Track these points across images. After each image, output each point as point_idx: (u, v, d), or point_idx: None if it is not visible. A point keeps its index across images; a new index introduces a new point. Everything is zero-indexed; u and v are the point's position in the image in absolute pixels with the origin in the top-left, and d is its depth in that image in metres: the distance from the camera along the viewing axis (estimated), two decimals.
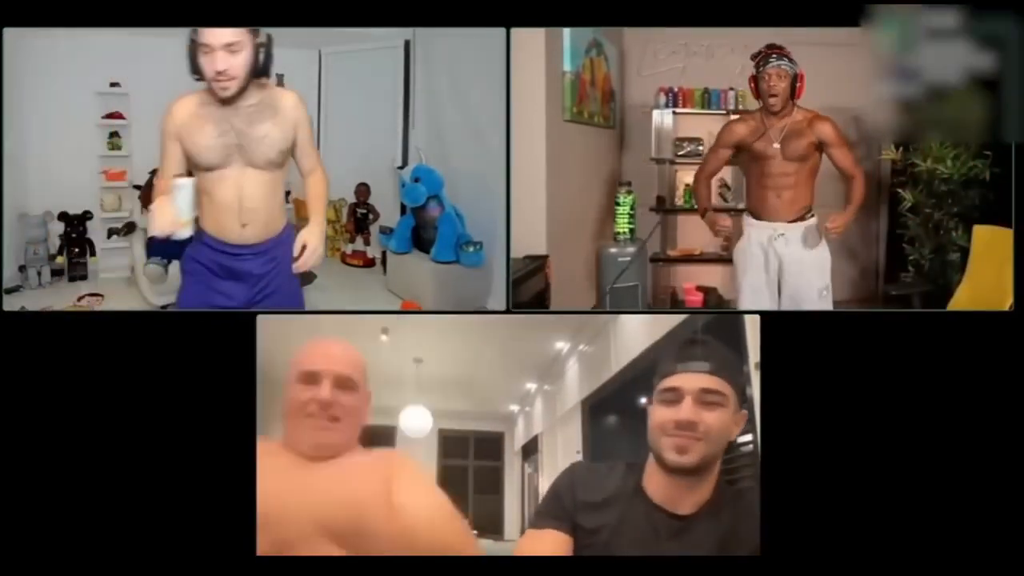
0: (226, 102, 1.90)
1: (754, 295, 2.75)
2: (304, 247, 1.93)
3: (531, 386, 4.51)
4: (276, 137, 1.95)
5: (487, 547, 4.60)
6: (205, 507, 2.01)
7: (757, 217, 2.78)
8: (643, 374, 2.38)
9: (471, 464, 5.40)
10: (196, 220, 1.89)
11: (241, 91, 1.89)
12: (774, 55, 2.65)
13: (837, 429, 2.07)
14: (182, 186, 1.81)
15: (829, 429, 2.07)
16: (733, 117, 3.48)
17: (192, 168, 1.92)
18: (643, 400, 1.53)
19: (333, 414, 1.45)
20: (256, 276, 2.03)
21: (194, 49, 1.86)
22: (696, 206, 3.07)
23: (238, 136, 1.92)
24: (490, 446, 5.35)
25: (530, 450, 4.84)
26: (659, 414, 1.42)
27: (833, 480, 2.05)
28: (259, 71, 1.90)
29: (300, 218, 4.42)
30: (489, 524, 5.11)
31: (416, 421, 3.87)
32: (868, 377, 2.09)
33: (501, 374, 4.27)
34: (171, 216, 1.79)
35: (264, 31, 1.90)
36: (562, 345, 3.72)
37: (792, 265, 2.73)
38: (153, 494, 2.02)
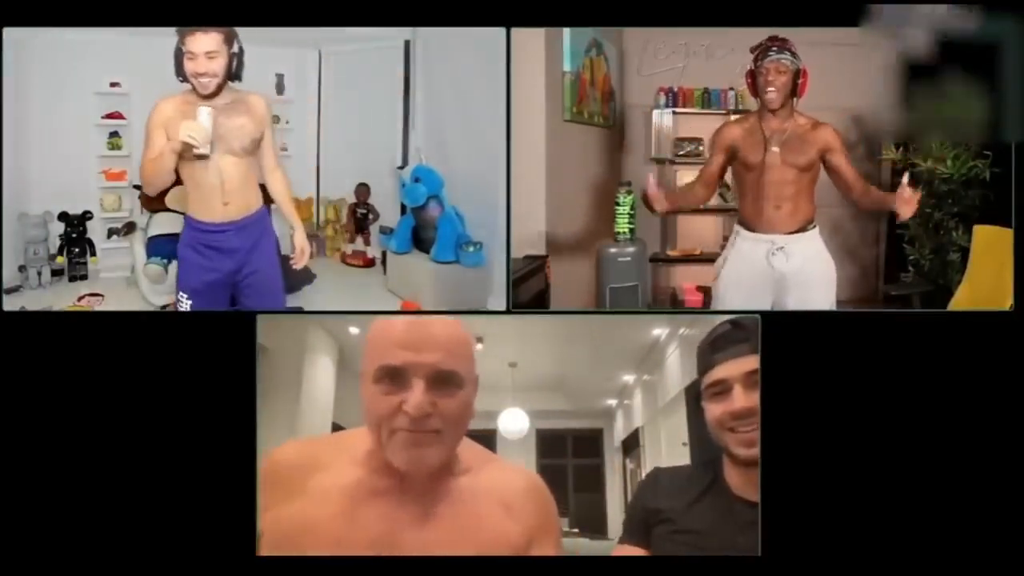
0: (206, 98, 2.20)
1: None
2: (302, 250, 2.41)
3: (629, 378, 4.41)
4: (250, 128, 2.26)
5: (590, 547, 4.56)
6: (205, 507, 2.01)
7: (751, 229, 2.50)
8: None
9: (570, 463, 5.33)
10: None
11: (219, 89, 2.19)
12: (774, 48, 2.38)
13: (837, 429, 2.07)
14: (206, 112, 2.13)
15: (829, 429, 2.07)
16: (732, 119, 3.04)
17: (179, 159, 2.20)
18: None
19: (431, 426, 1.12)
20: (239, 250, 2.32)
21: (180, 55, 2.17)
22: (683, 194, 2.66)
23: (217, 127, 2.17)
24: (589, 443, 5.29)
25: (631, 445, 4.79)
26: (713, 410, 1.39)
27: (833, 480, 2.05)
28: (233, 75, 2.23)
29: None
30: (591, 523, 4.99)
31: (513, 423, 3.95)
32: (868, 377, 2.09)
33: (597, 370, 4.23)
34: (205, 130, 2.12)
35: (237, 43, 2.21)
36: (660, 332, 3.63)
37: (796, 284, 2.46)
38: (153, 494, 2.02)
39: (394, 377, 1.11)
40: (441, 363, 1.13)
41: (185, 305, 2.33)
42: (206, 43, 2.13)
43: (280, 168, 2.45)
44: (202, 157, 2.17)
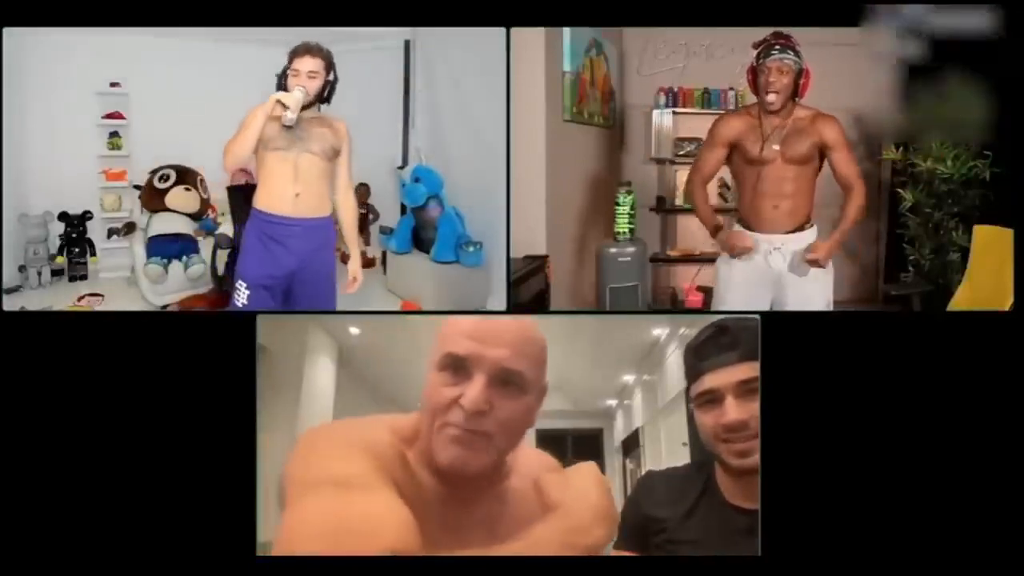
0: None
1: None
2: (354, 277, 2.50)
3: (629, 378, 4.43)
4: (329, 138, 2.42)
5: None
6: (206, 507, 2.01)
7: (749, 228, 2.50)
8: None
9: (570, 463, 5.32)
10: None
11: (309, 105, 2.40)
12: (778, 46, 2.36)
13: (837, 429, 2.07)
14: (300, 89, 2.34)
15: (829, 429, 2.07)
16: (727, 111, 3.00)
17: (260, 149, 2.38)
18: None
19: (483, 428, 1.05)
20: (302, 251, 2.40)
21: (284, 75, 2.41)
22: (697, 215, 2.63)
23: (301, 131, 2.38)
24: (589, 444, 5.30)
25: (631, 445, 4.81)
26: (704, 420, 1.33)
27: (833, 480, 2.05)
28: (324, 97, 2.45)
29: None
30: None
31: None
32: (868, 377, 2.09)
33: (597, 370, 4.25)
34: (296, 100, 2.33)
35: (334, 72, 2.43)
36: (660, 332, 3.65)
37: (793, 284, 2.47)
38: (154, 494, 2.02)
39: (457, 368, 1.06)
40: (506, 360, 1.05)
41: (242, 294, 2.39)
42: (311, 64, 2.38)
43: (352, 192, 2.57)
44: (287, 128, 2.34)
